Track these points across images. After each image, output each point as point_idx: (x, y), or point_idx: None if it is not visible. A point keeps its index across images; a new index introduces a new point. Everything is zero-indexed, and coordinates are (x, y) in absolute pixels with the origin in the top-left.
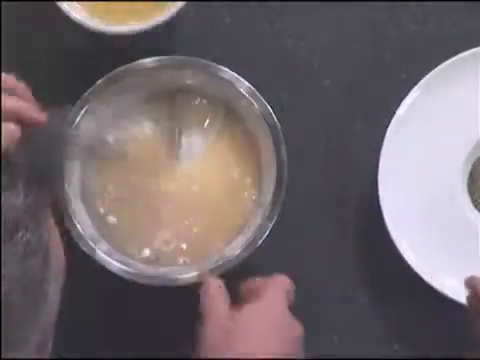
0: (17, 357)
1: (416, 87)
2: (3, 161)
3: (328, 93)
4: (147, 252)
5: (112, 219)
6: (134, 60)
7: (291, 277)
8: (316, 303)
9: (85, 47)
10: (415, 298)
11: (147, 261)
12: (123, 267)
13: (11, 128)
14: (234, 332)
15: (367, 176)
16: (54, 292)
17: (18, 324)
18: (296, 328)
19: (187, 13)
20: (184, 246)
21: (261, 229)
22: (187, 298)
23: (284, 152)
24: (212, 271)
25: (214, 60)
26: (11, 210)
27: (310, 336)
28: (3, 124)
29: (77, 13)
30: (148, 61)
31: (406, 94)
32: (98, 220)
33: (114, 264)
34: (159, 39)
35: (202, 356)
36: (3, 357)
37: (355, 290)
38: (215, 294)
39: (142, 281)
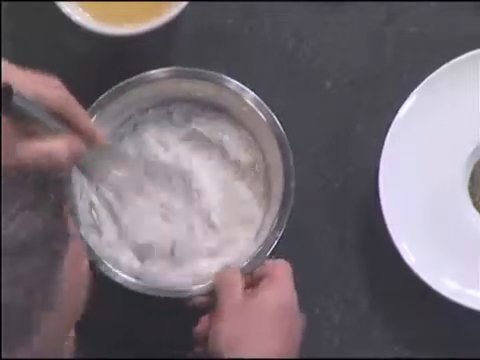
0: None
1: (417, 89)
2: (42, 182)
3: (329, 95)
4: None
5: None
6: (134, 62)
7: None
8: (317, 305)
9: (85, 48)
10: (416, 300)
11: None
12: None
13: (79, 143)
14: (250, 314)
15: (368, 178)
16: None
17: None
18: (301, 319)
19: (188, 15)
20: (194, 259)
21: (270, 239)
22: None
23: (291, 161)
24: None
25: (214, 62)
26: (33, 231)
27: (311, 338)
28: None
29: (77, 14)
30: (153, 73)
31: (407, 96)
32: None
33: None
34: (160, 40)
35: (219, 343)
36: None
37: (356, 292)
38: (231, 280)
39: (149, 293)
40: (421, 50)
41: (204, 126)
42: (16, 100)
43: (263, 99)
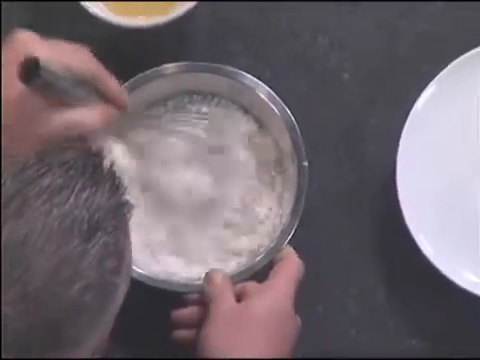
0: (74, 357)
1: (434, 81)
2: (98, 160)
3: (346, 87)
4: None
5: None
6: (150, 56)
7: (309, 272)
8: (334, 296)
9: (102, 40)
10: (433, 292)
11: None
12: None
13: (111, 111)
14: (241, 319)
15: (385, 170)
16: (120, 297)
17: (85, 324)
18: (295, 323)
19: (204, 8)
20: (205, 255)
21: (283, 235)
22: None
23: (305, 158)
24: (233, 278)
25: (231, 55)
26: (95, 209)
27: (328, 329)
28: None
29: (95, 6)
30: (167, 66)
31: (424, 88)
32: None
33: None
34: (176, 34)
35: (209, 347)
36: (61, 355)
37: (373, 284)
38: (221, 283)
39: (157, 285)
40: (437, 42)
41: (218, 120)
42: (42, 73)
43: (280, 92)
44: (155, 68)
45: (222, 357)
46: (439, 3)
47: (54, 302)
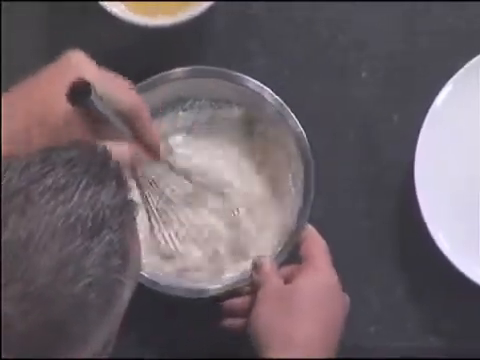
0: (82, 356)
1: (452, 79)
2: (103, 158)
3: (365, 85)
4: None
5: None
6: (167, 56)
7: None
8: (353, 294)
9: (118, 40)
10: (451, 290)
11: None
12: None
13: (141, 154)
14: (290, 299)
15: (403, 169)
16: (127, 295)
17: (90, 322)
18: (343, 300)
19: (221, 7)
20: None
21: (295, 233)
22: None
23: (312, 161)
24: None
25: (248, 54)
26: (100, 207)
27: (347, 324)
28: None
29: (113, 6)
30: (175, 71)
31: (443, 86)
32: None
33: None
34: (192, 34)
35: (259, 326)
36: (71, 352)
37: (391, 282)
38: (269, 268)
39: (171, 292)
40: (456, 40)
41: (226, 124)
42: (92, 97)
43: (298, 91)
44: (161, 73)
45: (273, 336)
46: (456, 2)
47: (58, 300)
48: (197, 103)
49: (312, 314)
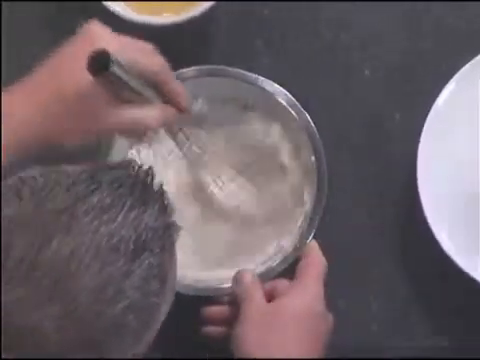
0: None
1: (455, 77)
2: (148, 178)
3: (368, 83)
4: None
5: None
6: (171, 55)
7: (331, 267)
8: (356, 292)
9: None
10: (454, 290)
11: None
12: None
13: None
14: (273, 318)
15: (406, 167)
16: (162, 317)
17: (125, 343)
18: (327, 321)
19: (224, 7)
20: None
21: (304, 236)
22: None
23: (325, 164)
24: (261, 276)
25: (252, 53)
26: (143, 229)
27: (349, 323)
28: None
29: (116, 5)
30: (188, 70)
31: (444, 85)
32: None
33: None
34: (196, 33)
35: (243, 346)
36: None
37: (394, 280)
38: (251, 282)
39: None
40: (459, 39)
41: (234, 124)
42: (113, 66)
43: (301, 90)
44: (178, 71)
45: (255, 357)
46: (456, 2)
47: (97, 320)
48: (207, 102)
49: (295, 336)
